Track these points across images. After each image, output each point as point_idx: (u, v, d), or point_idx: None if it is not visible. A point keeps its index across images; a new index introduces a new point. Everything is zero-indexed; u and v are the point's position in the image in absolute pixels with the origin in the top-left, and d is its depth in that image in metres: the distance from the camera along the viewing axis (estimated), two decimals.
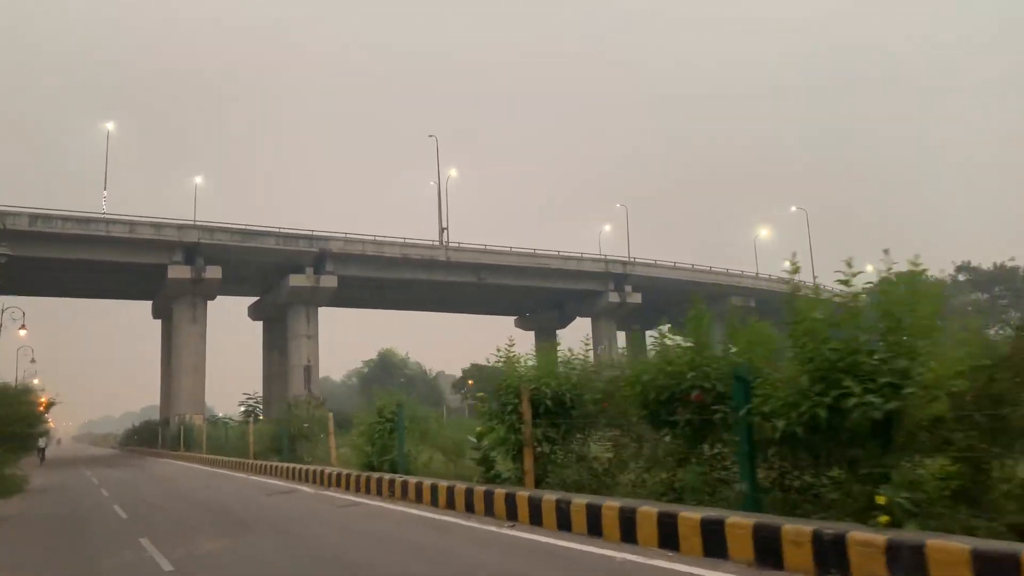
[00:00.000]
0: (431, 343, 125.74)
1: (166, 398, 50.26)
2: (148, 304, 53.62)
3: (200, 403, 43.54)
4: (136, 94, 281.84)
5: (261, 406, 44.63)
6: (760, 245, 73.27)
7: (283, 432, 19.79)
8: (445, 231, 49.84)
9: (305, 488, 14.57)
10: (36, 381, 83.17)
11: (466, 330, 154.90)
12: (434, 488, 10.21)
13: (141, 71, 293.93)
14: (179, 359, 43.70)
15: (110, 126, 46.74)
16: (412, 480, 11.07)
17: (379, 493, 12.05)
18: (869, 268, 6.22)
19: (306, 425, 19.58)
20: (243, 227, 43.77)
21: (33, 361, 60.73)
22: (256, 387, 50.89)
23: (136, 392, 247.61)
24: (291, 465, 17.26)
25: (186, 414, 39.58)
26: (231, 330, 63.62)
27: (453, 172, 55.40)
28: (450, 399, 76.99)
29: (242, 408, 45.39)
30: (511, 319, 67.27)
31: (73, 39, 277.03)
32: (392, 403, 13.61)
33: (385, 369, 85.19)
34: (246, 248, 43.57)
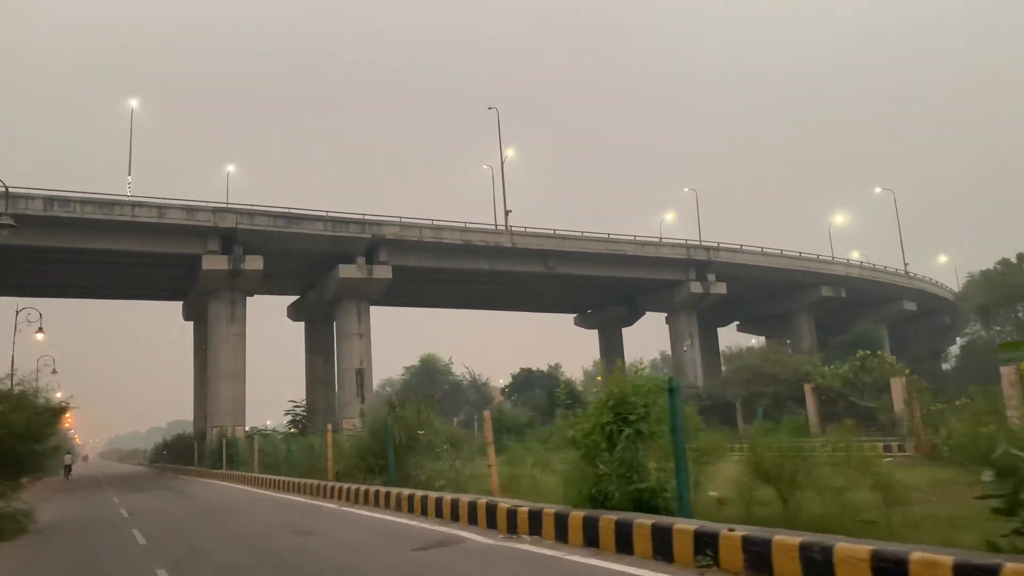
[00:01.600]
0: (472, 347, 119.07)
1: (200, 409, 44.86)
2: (177, 306, 48.42)
3: (240, 413, 38.04)
4: (165, 74, 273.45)
5: (306, 415, 39.27)
6: (843, 231, 67.00)
7: (387, 442, 14.00)
8: (509, 214, 44.14)
9: (468, 534, 8.81)
10: (59, 395, 78.73)
11: (512, 332, 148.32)
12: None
13: (171, 48, 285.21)
14: (216, 363, 38.25)
15: (134, 103, 41.65)
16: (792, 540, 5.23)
17: (663, 556, 6.25)
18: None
19: (421, 432, 13.85)
20: (286, 210, 38.32)
21: (55, 372, 56.14)
22: (296, 396, 45.52)
23: (164, 406, 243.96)
24: (413, 492, 11.52)
25: (226, 426, 34.07)
26: (268, 333, 58.22)
27: (511, 152, 49.87)
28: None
29: (287, 418, 40.08)
30: (570, 317, 61.52)
31: (99, 9, 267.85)
32: (646, 387, 7.90)
33: (428, 375, 79.51)
34: (290, 235, 38.08)
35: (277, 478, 20.34)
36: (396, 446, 14.29)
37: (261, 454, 24.55)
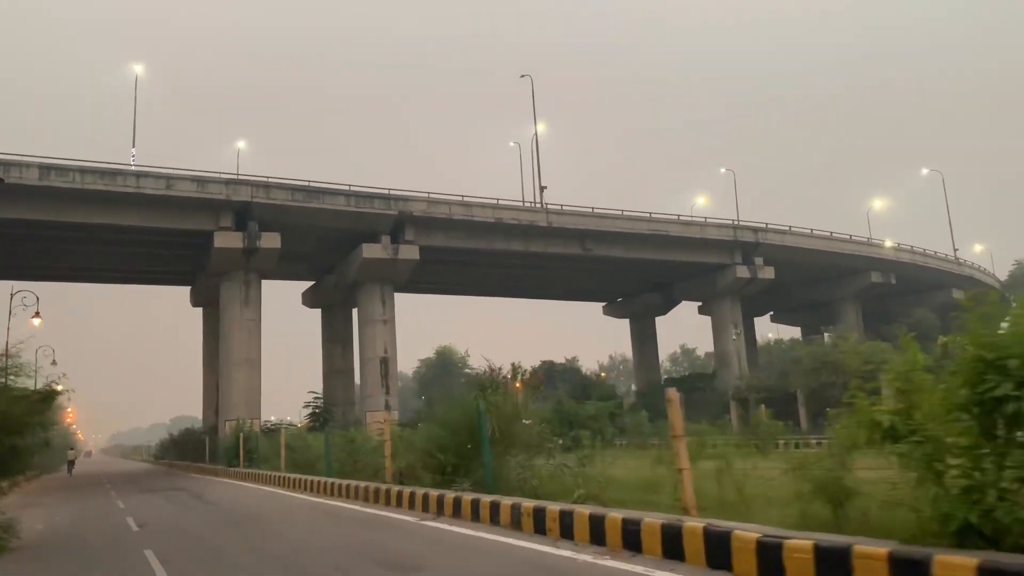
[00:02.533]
0: (487, 339, 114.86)
1: (210, 402, 41.61)
2: (183, 293, 45.19)
3: (255, 405, 34.78)
4: (172, 42, 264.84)
5: (334, 407, 36.01)
6: (881, 217, 63.60)
7: (481, 435, 10.65)
8: (544, 190, 40.81)
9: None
10: (60, 387, 75.52)
11: (528, 323, 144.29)
12: None
13: (179, 14, 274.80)
14: (228, 352, 34.96)
15: (139, 70, 38.29)
16: None
17: None
18: None
19: (527, 422, 10.55)
20: (306, 183, 35.00)
21: (55, 363, 52.90)
22: (310, 388, 42.29)
23: (167, 401, 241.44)
24: (543, 505, 8.19)
25: (242, 419, 30.77)
26: (281, 321, 54.89)
27: (543, 127, 46.52)
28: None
29: (307, 410, 36.82)
30: (596, 306, 58.24)
31: None
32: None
33: (444, 368, 76.34)
34: (310, 210, 34.75)
35: (311, 479, 17.04)
36: (494, 439, 10.99)
37: (288, 450, 21.21)
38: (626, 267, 45.94)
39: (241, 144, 46.33)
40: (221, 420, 35.05)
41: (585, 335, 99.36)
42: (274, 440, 23.99)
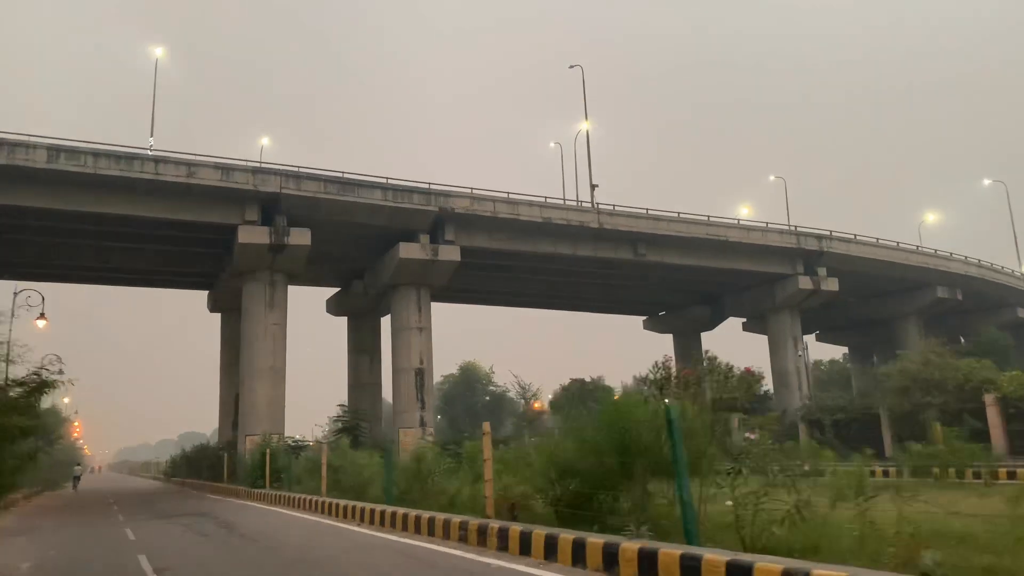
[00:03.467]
0: (510, 354, 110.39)
1: (227, 415, 38.26)
2: (197, 301, 42.03)
3: (279, 419, 31.41)
4: (196, 25, 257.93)
5: (363, 423, 32.62)
6: (934, 230, 59.94)
7: (676, 451, 7.24)
8: (595, 189, 37.51)
9: None
10: (67, 400, 72.25)
11: (556, 338, 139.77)
12: None
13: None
14: (251, 360, 31.65)
15: (159, 52, 35.37)
16: None
17: None
18: None
19: (750, 436, 6.61)
20: (339, 175, 31.85)
21: (62, 372, 49.80)
22: (334, 402, 39.00)
23: (175, 417, 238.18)
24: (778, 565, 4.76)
25: (268, 433, 27.36)
26: (302, 331, 51.44)
27: (586, 126, 43.37)
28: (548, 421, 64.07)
29: (337, 424, 33.38)
30: (638, 320, 54.72)
31: None
32: None
33: (468, 385, 72.88)
34: (343, 204, 31.56)
35: (366, 506, 13.61)
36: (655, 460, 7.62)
37: (330, 471, 17.76)
38: (676, 276, 42.51)
39: (265, 141, 43.44)
40: (241, 435, 31.68)
41: (610, 352, 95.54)
42: (308, 458, 20.60)
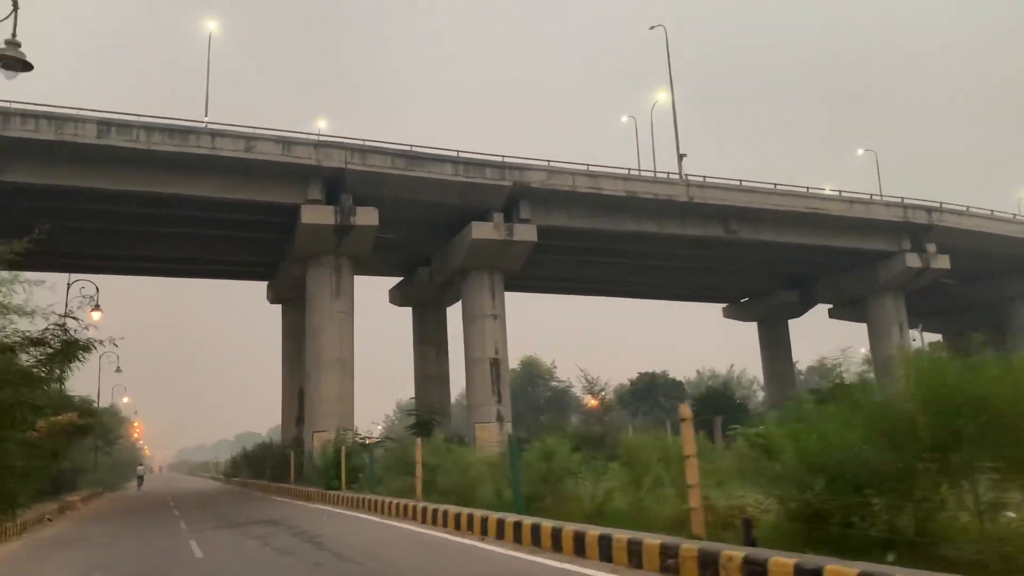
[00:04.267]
0: (572, 346, 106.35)
1: (290, 411, 36.08)
2: (255, 294, 40.01)
3: (348, 414, 28.95)
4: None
5: (437, 417, 29.92)
6: None
7: None
8: (684, 159, 34.20)
9: None
10: (126, 400, 71.55)
11: (616, 331, 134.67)
12: None
13: None
14: (317, 351, 29.24)
15: (212, 26, 33.22)
16: None
17: None
18: None
19: None
20: (407, 149, 29.23)
21: (119, 370, 48.48)
22: (393, 397, 36.34)
23: (231, 417, 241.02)
24: None
25: (342, 430, 24.80)
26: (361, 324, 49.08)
27: (662, 96, 40.10)
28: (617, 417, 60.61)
29: (412, 418, 30.70)
30: (701, 312, 51.13)
31: None
32: None
33: (530, 380, 70.03)
34: (412, 180, 28.93)
35: (487, 516, 10.77)
36: None
37: (425, 470, 14.92)
38: (767, 257, 38.89)
39: (323, 123, 41.20)
40: (307, 432, 29.32)
41: (671, 345, 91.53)
42: (393, 456, 17.90)
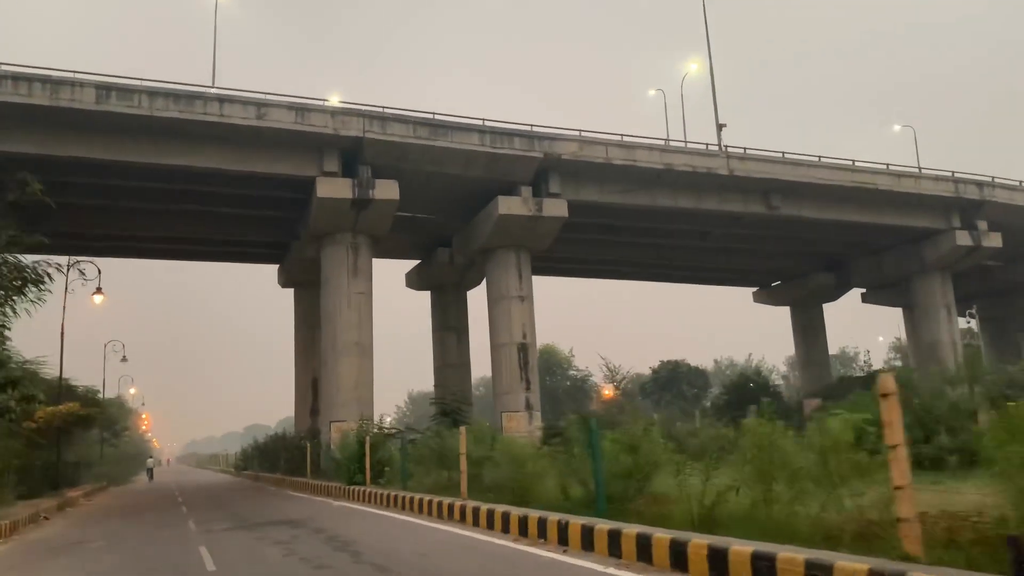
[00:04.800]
0: (587, 333, 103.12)
1: (304, 400, 34.19)
2: (263, 280, 38.02)
3: (367, 403, 27.01)
4: None
5: (465, 406, 27.96)
6: None
7: None
8: (723, 129, 32.03)
9: None
10: (133, 391, 69.80)
11: (630, 316, 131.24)
12: None
13: None
14: (333, 335, 27.27)
15: None
16: None
17: None
18: None
19: None
20: (429, 117, 27.14)
21: (124, 360, 46.77)
22: (408, 385, 34.35)
23: (239, 409, 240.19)
24: None
25: (365, 420, 22.81)
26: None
27: (694, 67, 37.90)
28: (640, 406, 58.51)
29: (433, 408, 28.72)
30: (734, 293, 49.03)
31: None
32: None
33: (548, 369, 67.91)
34: (435, 152, 26.88)
35: (566, 520, 8.75)
36: None
37: (474, 463, 12.88)
38: (806, 235, 36.76)
39: (335, 97, 39.00)
40: (324, 422, 27.40)
41: (689, 332, 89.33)
42: (427, 447, 15.90)
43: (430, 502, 12.97)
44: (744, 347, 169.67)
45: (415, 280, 38.78)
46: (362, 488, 17.77)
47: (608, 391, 62.52)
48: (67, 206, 28.56)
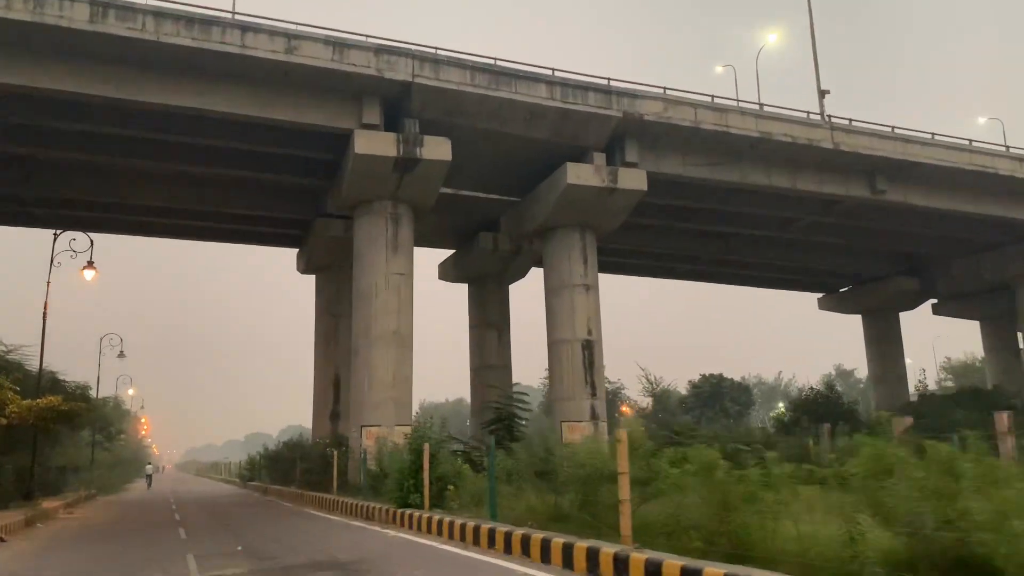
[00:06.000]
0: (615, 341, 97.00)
1: (324, 403, 29.51)
2: (265, 275, 33.40)
3: (406, 402, 22.43)
4: None
5: (526, 407, 23.24)
6: None
7: None
8: (826, 96, 27.47)
9: None
10: (131, 391, 65.07)
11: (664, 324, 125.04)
12: None
13: None
14: (366, 321, 22.63)
15: None
16: None
17: None
18: None
19: None
20: (490, 63, 22.62)
21: (122, 355, 42.27)
22: (437, 392, 29.70)
23: (240, 417, 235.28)
24: None
25: (426, 423, 18.03)
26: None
27: (773, 38, 33.47)
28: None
29: (496, 410, 23.90)
30: (809, 297, 44.35)
31: None
32: None
33: None
34: (496, 104, 22.38)
35: None
36: None
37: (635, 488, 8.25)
38: (903, 227, 32.07)
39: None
40: (352, 426, 22.71)
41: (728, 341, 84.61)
42: (521, 460, 11.27)
43: (568, 548, 8.30)
44: (775, 363, 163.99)
45: (451, 270, 34.23)
46: (420, 513, 13.09)
47: (626, 407, 57.81)
48: (53, 164, 24.24)
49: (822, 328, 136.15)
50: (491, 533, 10.19)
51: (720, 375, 56.25)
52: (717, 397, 55.68)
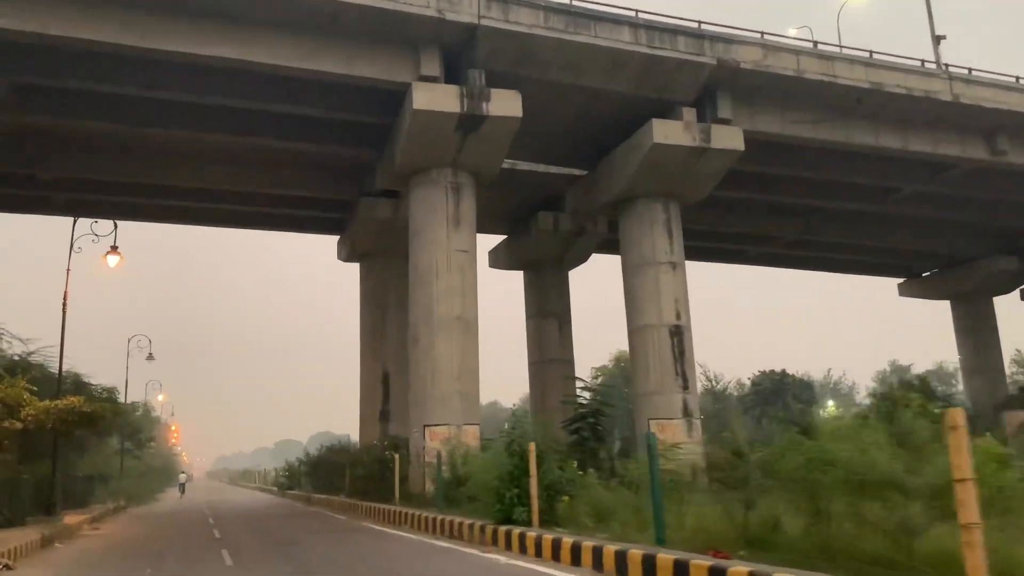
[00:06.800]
0: None
1: (372, 402, 26.57)
2: (309, 264, 30.55)
3: (473, 399, 19.44)
4: None
5: (612, 404, 20.06)
6: None
7: None
8: (942, 41, 24.10)
9: None
10: (161, 398, 62.80)
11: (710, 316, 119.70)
12: None
13: None
14: (427, 304, 19.65)
15: None
16: None
17: None
18: None
19: None
20: (565, 3, 19.54)
21: (151, 357, 39.86)
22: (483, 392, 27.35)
23: (269, 425, 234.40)
24: None
25: (522, 419, 14.94)
26: None
27: None
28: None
29: (583, 402, 20.50)
30: (887, 282, 40.74)
31: None
32: None
33: (625, 378, 59.55)
34: (574, 50, 19.32)
35: None
36: None
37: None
38: (1014, 196, 28.57)
39: None
40: (412, 426, 19.72)
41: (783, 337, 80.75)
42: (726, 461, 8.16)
43: None
44: (815, 360, 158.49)
45: (504, 256, 31.22)
46: (531, 532, 10.04)
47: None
48: (72, 137, 21.57)
49: (865, 322, 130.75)
50: (677, 566, 7.07)
51: (783, 371, 52.77)
52: (780, 394, 52.13)
